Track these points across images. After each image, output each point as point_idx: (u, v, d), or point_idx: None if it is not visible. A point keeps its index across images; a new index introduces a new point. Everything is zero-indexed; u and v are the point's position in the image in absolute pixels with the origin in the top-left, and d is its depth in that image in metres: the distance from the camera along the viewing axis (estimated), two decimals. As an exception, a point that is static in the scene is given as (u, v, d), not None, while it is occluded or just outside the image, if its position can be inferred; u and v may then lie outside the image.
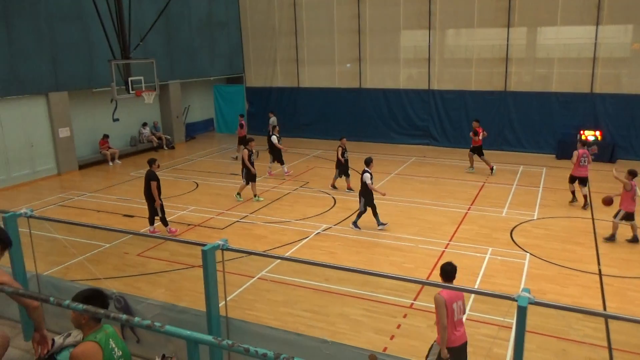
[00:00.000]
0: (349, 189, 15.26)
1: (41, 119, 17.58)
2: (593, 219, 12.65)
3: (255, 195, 14.54)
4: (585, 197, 13.43)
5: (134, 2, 16.31)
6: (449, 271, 5.90)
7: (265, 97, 24.85)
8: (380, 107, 22.58)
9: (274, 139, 17.10)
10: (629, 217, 11.08)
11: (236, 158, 19.39)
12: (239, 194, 14.59)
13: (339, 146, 15.22)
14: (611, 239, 11.23)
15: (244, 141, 19.30)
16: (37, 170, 17.52)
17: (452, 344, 5.86)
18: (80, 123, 19.36)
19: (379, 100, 22.54)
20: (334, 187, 15.53)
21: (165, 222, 12.09)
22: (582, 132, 18.99)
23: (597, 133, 18.84)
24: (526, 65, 20.00)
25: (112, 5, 15.44)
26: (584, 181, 13.60)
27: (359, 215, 12.25)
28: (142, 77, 15.97)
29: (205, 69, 25.02)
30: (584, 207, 13.35)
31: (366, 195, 12.01)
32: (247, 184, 14.50)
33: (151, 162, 11.99)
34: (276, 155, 17.17)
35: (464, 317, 6.31)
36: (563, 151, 19.15)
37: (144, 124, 22.33)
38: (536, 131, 20.10)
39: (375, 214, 12.13)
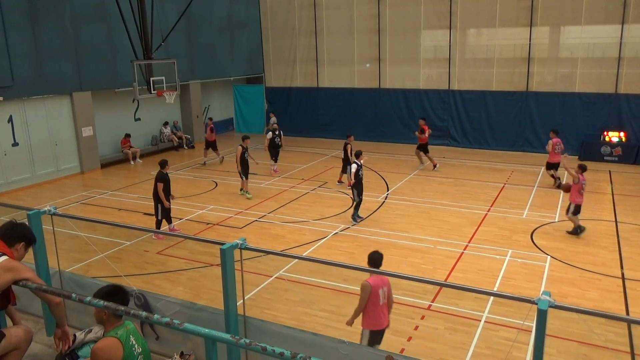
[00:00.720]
0: (340, 181, 16.16)
1: (65, 119, 17.91)
2: (616, 221, 12.41)
3: (241, 190, 15.13)
4: (557, 178, 15.14)
5: (156, 3, 16.51)
6: (376, 259, 6.45)
7: (285, 97, 24.95)
8: (399, 108, 22.48)
9: (269, 134, 17.53)
10: (577, 210, 11.48)
11: (204, 164, 19.33)
12: (247, 192, 14.94)
13: (347, 143, 15.65)
14: (575, 232, 11.49)
15: (212, 145, 19.06)
16: (60, 168, 17.85)
17: (377, 327, 6.35)
18: (103, 122, 19.67)
19: (399, 101, 22.44)
20: (340, 182, 16.22)
21: (158, 225, 11.98)
22: (605, 133, 18.67)
23: (622, 134, 18.49)
24: (549, 65, 19.70)
25: (135, 7, 15.67)
26: (556, 166, 15.26)
27: (356, 207, 12.70)
28: (163, 77, 16.16)
29: (226, 69, 25.20)
30: (558, 186, 14.65)
31: (357, 186, 12.54)
32: (247, 179, 14.97)
33: (162, 164, 11.93)
34: (272, 152, 17.58)
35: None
36: (586, 153, 18.85)
37: (165, 124, 22.59)
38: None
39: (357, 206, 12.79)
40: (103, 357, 3.54)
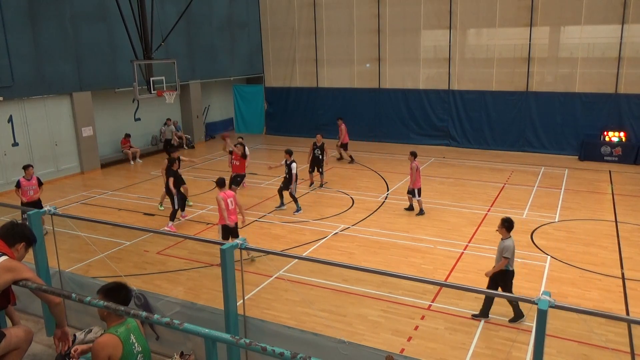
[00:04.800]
0: (321, 183, 15.99)
1: (65, 119, 17.91)
2: (616, 221, 12.41)
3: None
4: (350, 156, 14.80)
5: (156, 3, 16.51)
6: (223, 181, 10.44)
7: (284, 97, 24.94)
8: (399, 108, 22.46)
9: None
10: (412, 192, 13.19)
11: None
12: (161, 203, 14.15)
13: (321, 142, 15.71)
14: (413, 210, 13.32)
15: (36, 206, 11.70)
16: (60, 168, 17.85)
17: (228, 223, 9.91)
18: (103, 122, 19.67)
19: (398, 101, 22.43)
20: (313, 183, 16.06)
21: (173, 216, 12.61)
22: (605, 133, 18.68)
23: (622, 134, 18.49)
24: (549, 65, 19.69)
25: (135, 7, 15.67)
26: (346, 146, 15.18)
27: (296, 199, 13.62)
28: (163, 77, 16.16)
29: (226, 69, 25.20)
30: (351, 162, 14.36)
31: (292, 181, 13.45)
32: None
33: (171, 160, 12.82)
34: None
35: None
36: (586, 153, 18.86)
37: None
38: (558, 132, 19.79)
39: (295, 199, 13.67)
40: (103, 353, 3.54)
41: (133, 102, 19.02)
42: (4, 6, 15.30)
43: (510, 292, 7.90)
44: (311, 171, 15.91)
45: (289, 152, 13.57)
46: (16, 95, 16.05)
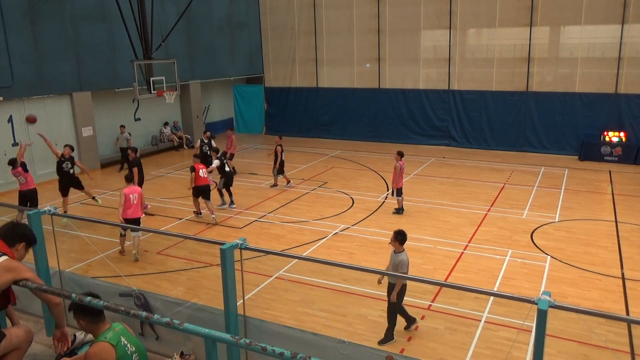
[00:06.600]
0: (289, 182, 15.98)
1: (65, 119, 17.91)
2: (616, 221, 12.41)
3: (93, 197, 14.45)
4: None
5: (156, 3, 16.52)
6: (131, 177, 11.14)
7: (284, 97, 24.94)
8: (399, 108, 22.47)
9: (198, 142, 16.54)
10: (399, 192, 13.07)
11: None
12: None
13: (280, 145, 15.50)
14: (399, 211, 13.15)
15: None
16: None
17: (131, 216, 10.57)
18: (103, 122, 19.67)
19: (398, 101, 22.43)
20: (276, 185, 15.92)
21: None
22: (605, 133, 18.68)
23: (622, 134, 18.50)
24: (549, 65, 19.69)
25: (135, 7, 15.68)
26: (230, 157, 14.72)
27: (222, 194, 13.96)
28: (163, 77, 16.17)
29: (226, 69, 25.20)
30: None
31: (226, 176, 13.77)
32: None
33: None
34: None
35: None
36: (586, 153, 18.86)
37: (165, 124, 22.58)
38: (558, 132, 19.80)
39: (230, 193, 13.96)
40: None
41: (133, 102, 19.03)
42: (4, 6, 15.30)
43: (401, 305, 7.53)
44: (280, 173, 15.70)
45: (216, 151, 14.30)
46: (16, 95, 16.05)
